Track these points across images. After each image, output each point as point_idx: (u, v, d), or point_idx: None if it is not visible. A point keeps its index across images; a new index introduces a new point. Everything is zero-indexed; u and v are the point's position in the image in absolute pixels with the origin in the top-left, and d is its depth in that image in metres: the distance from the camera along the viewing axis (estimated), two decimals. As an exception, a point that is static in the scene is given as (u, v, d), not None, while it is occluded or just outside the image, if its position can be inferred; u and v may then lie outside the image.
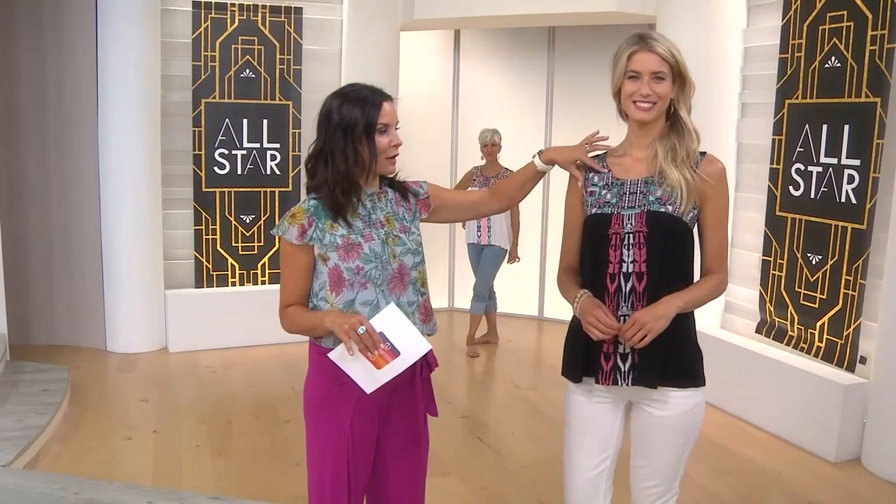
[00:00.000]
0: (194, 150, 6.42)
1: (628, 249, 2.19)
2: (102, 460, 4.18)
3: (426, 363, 2.34)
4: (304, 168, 2.38)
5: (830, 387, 4.35)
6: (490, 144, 6.24)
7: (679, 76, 2.18)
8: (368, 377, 2.18)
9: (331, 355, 2.20)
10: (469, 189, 6.35)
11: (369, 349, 2.12)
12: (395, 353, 2.17)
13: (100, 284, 6.20)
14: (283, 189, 6.65)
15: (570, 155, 2.35)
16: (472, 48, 7.76)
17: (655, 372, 2.17)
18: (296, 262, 2.29)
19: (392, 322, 2.17)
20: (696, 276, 2.31)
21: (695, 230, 2.26)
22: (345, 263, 2.23)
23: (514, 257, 6.42)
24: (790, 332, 4.85)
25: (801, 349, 4.75)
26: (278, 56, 6.52)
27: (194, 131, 6.40)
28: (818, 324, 4.61)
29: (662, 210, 2.18)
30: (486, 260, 6.36)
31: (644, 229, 2.17)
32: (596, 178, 2.30)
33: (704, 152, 2.25)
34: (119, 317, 6.21)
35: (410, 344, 2.18)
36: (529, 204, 6.93)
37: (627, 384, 2.21)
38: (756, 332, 5.13)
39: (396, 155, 2.30)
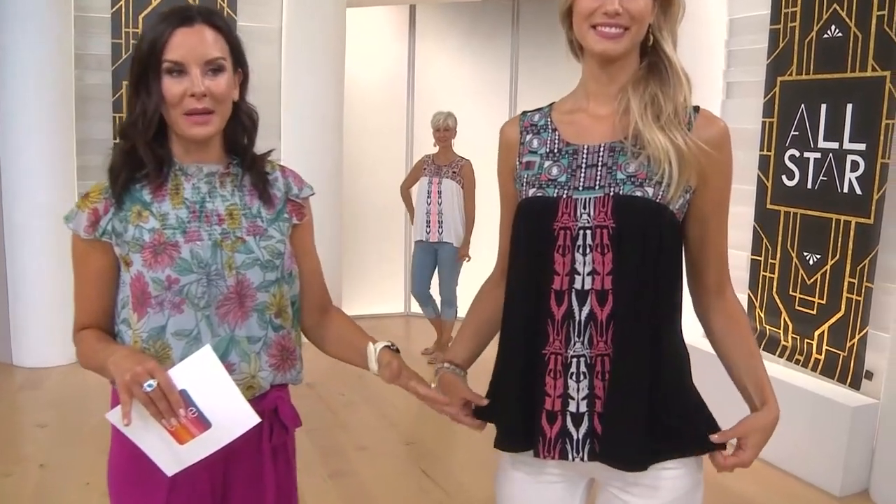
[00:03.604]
0: (115, 138, 5.69)
1: (584, 254, 1.46)
2: (-31, 504, 3.49)
3: (280, 424, 1.65)
4: None
5: (836, 408, 3.77)
6: (443, 129, 5.62)
7: None
8: (168, 453, 1.47)
9: (109, 416, 1.48)
10: (420, 179, 5.76)
11: (163, 415, 1.42)
12: (203, 423, 1.46)
13: (3, 290, 5.50)
14: (216, 182, 5.97)
15: (405, 380, 1.61)
16: (429, 26, 7.17)
17: (631, 440, 1.45)
18: (87, 265, 1.59)
19: (203, 375, 1.45)
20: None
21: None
22: (151, 272, 1.52)
23: (463, 255, 5.77)
24: (783, 343, 4.29)
25: (797, 362, 4.20)
26: (210, 33, 5.84)
27: (115, 117, 5.70)
28: (816, 333, 4.05)
29: (638, 193, 1.44)
30: (443, 263, 5.74)
31: (609, 222, 1.44)
32: (535, 142, 1.57)
33: (698, 107, 1.52)
34: (26, 327, 5.50)
35: (228, 412, 1.46)
36: (489, 192, 6.41)
37: (583, 459, 1.48)
38: (744, 341, 4.53)
39: (202, 112, 1.52)
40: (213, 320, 1.55)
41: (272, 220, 1.64)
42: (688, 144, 1.44)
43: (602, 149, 1.49)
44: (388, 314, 7.24)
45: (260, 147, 1.70)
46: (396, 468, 4.00)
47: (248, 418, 1.48)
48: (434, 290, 5.94)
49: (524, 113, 1.63)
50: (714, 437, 1.50)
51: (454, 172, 5.65)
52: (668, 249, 1.46)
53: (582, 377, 1.45)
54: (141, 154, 1.54)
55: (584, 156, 1.50)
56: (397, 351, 1.67)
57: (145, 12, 5.66)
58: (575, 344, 1.46)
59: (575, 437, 1.47)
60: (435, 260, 5.83)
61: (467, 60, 7.14)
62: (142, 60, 1.50)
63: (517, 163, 1.58)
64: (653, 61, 1.50)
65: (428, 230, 5.72)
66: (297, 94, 6.09)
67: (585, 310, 1.45)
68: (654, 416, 1.45)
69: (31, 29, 5.27)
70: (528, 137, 1.58)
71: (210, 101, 1.51)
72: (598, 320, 1.44)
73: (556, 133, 1.55)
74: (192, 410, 1.44)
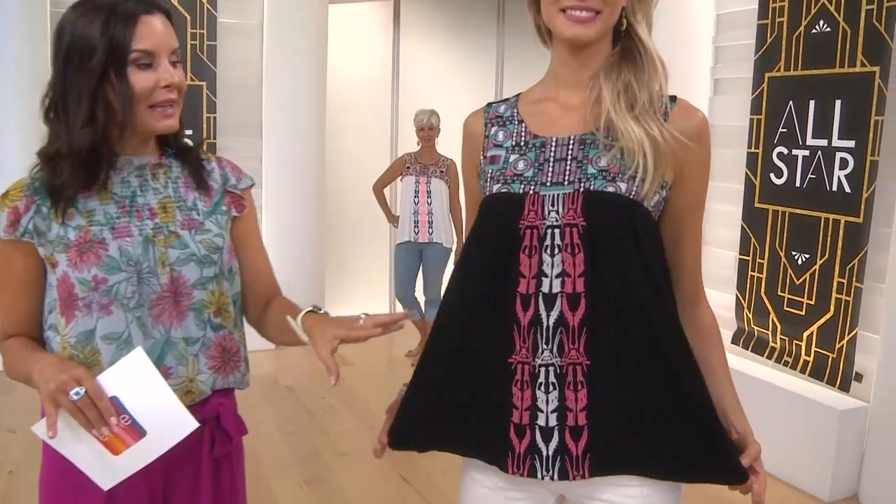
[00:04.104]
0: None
1: (552, 254, 1.34)
2: (-67, 514, 3.38)
3: (222, 433, 1.55)
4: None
5: (824, 411, 3.69)
6: (427, 128, 5.52)
7: None
8: (102, 466, 1.38)
9: (35, 429, 1.39)
10: (403, 179, 5.65)
11: (93, 424, 1.32)
12: (138, 431, 1.37)
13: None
14: (196, 181, 5.84)
15: (332, 331, 1.38)
16: (414, 22, 7.10)
17: (612, 449, 1.35)
18: (10, 268, 1.48)
19: (135, 380, 1.35)
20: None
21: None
22: (77, 272, 1.42)
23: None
24: (772, 344, 4.20)
25: (785, 363, 4.11)
26: (189, 30, 5.72)
27: (92, 115, 5.59)
28: (805, 334, 3.97)
29: (610, 189, 1.34)
30: (431, 263, 5.63)
31: (579, 220, 1.33)
32: (501, 135, 1.47)
33: (675, 97, 1.42)
34: None
35: (163, 418, 1.37)
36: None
37: (553, 478, 1.37)
38: (732, 342, 4.46)
39: (172, 101, 1.45)
40: (145, 321, 1.46)
41: (209, 213, 1.55)
42: (664, 136, 1.34)
43: (572, 141, 1.39)
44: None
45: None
46: (375, 474, 3.89)
47: (186, 423, 1.39)
48: (417, 292, 5.84)
49: (489, 104, 1.54)
50: (745, 460, 1.39)
51: (441, 172, 5.54)
52: (644, 249, 1.34)
53: (551, 388, 1.35)
54: (104, 163, 1.42)
55: (553, 149, 1.39)
56: (325, 313, 1.49)
57: (123, 8, 5.55)
58: (543, 352, 1.34)
59: (545, 454, 1.35)
60: (419, 261, 5.73)
61: (453, 57, 7.07)
62: (103, 55, 1.37)
63: (481, 157, 1.48)
64: (626, 47, 1.40)
65: (416, 231, 5.59)
66: (278, 92, 5.99)
67: (554, 315, 1.33)
68: (642, 428, 1.34)
69: (6, 27, 5.17)
70: (494, 130, 1.48)
71: (176, 91, 1.44)
72: (569, 326, 1.33)
73: (523, 125, 1.45)
74: (124, 418, 1.35)
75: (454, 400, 1.43)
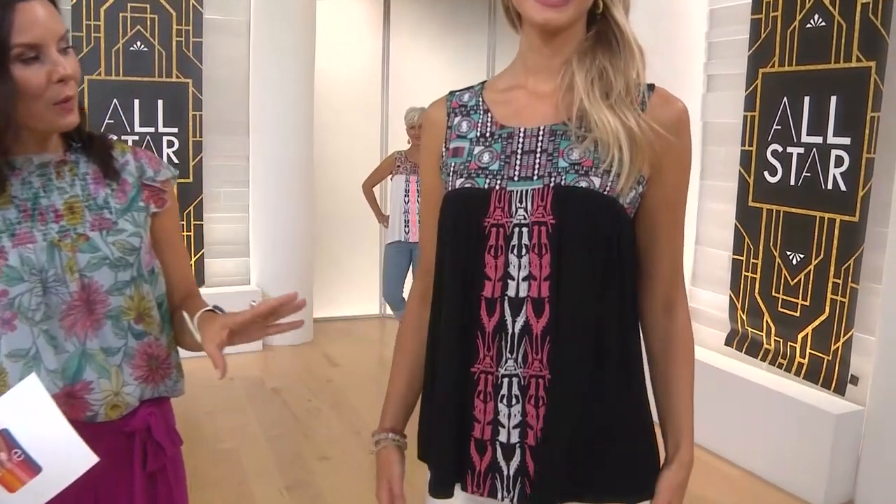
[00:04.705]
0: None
1: (519, 255, 1.23)
2: None
3: (155, 445, 1.44)
4: None
5: (819, 415, 3.62)
6: (417, 126, 5.44)
7: None
8: None
9: None
10: (392, 177, 5.57)
11: None
12: (32, 467, 1.25)
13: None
14: (183, 181, 5.72)
15: (219, 322, 1.32)
16: (404, 18, 6.99)
17: (557, 482, 1.24)
18: None
19: (28, 410, 1.24)
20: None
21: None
22: None
23: None
24: (766, 346, 4.13)
25: (780, 365, 4.04)
26: (175, 26, 5.65)
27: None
28: (800, 336, 3.90)
29: (582, 184, 1.22)
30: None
31: (549, 218, 1.22)
32: (465, 125, 1.36)
33: (653, 85, 1.30)
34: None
35: (59, 452, 1.26)
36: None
37: (512, 500, 1.27)
38: (725, 344, 4.41)
39: (69, 97, 1.30)
40: (55, 334, 1.34)
41: (123, 211, 1.42)
42: (640, 126, 1.23)
43: (541, 132, 1.27)
44: (363, 316, 7.04)
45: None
46: (359, 480, 3.79)
47: (85, 458, 1.27)
48: (405, 292, 5.76)
49: (452, 92, 1.43)
50: None
51: None
52: (618, 250, 1.24)
53: (514, 401, 1.24)
54: None
55: (521, 140, 1.28)
56: (221, 311, 1.39)
57: (107, 5, 5.46)
58: (507, 361, 1.24)
59: (505, 473, 1.26)
60: (409, 261, 5.66)
61: (444, 54, 6.99)
62: None
63: (443, 149, 1.37)
64: (601, 30, 1.28)
65: (407, 230, 5.53)
66: (266, 89, 5.91)
67: (520, 321, 1.23)
68: (574, 460, 1.24)
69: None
70: (457, 120, 1.36)
71: (73, 83, 1.31)
72: (533, 334, 1.22)
73: (489, 114, 1.34)
74: (16, 453, 1.24)
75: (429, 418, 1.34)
